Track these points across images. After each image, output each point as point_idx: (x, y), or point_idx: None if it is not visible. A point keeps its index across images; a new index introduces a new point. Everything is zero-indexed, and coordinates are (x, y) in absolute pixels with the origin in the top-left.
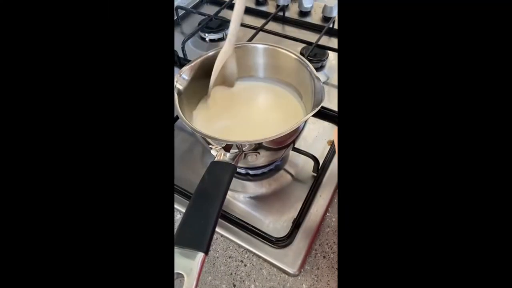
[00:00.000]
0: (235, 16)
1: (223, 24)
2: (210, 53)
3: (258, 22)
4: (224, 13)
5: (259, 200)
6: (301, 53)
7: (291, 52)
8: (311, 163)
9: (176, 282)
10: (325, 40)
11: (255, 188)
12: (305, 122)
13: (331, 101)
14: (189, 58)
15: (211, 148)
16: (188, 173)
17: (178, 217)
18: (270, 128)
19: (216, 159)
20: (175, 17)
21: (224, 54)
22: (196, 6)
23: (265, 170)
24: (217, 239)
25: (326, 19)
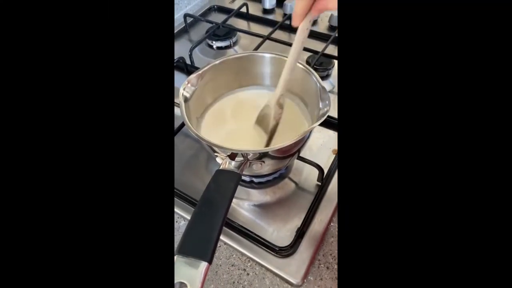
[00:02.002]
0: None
1: (230, 32)
2: (217, 61)
3: (265, 30)
4: (232, 21)
5: (263, 208)
6: (307, 62)
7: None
8: (315, 172)
9: None
10: (331, 49)
11: (259, 196)
12: (311, 131)
13: (337, 110)
14: (196, 65)
15: (217, 156)
16: (193, 180)
17: (182, 224)
18: (275, 137)
19: (221, 167)
20: (184, 25)
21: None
22: (204, 14)
23: (269, 178)
24: (220, 246)
25: (332, 28)
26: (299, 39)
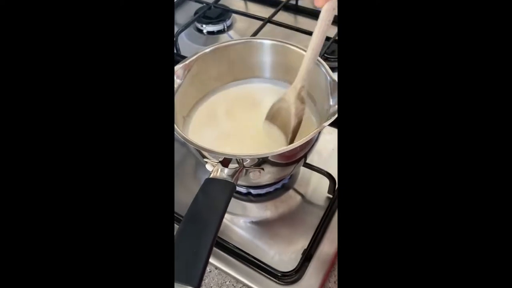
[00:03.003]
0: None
1: (224, 14)
2: (208, 49)
3: (266, 11)
4: (225, 0)
5: (262, 226)
6: None
7: (304, 49)
8: (326, 182)
9: None
10: None
11: (258, 211)
12: (319, 132)
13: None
14: (182, 53)
15: (206, 162)
16: (178, 191)
17: None
18: (277, 139)
19: (211, 175)
20: None
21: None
22: None
23: (270, 189)
24: (210, 271)
25: None
26: (324, 20)
